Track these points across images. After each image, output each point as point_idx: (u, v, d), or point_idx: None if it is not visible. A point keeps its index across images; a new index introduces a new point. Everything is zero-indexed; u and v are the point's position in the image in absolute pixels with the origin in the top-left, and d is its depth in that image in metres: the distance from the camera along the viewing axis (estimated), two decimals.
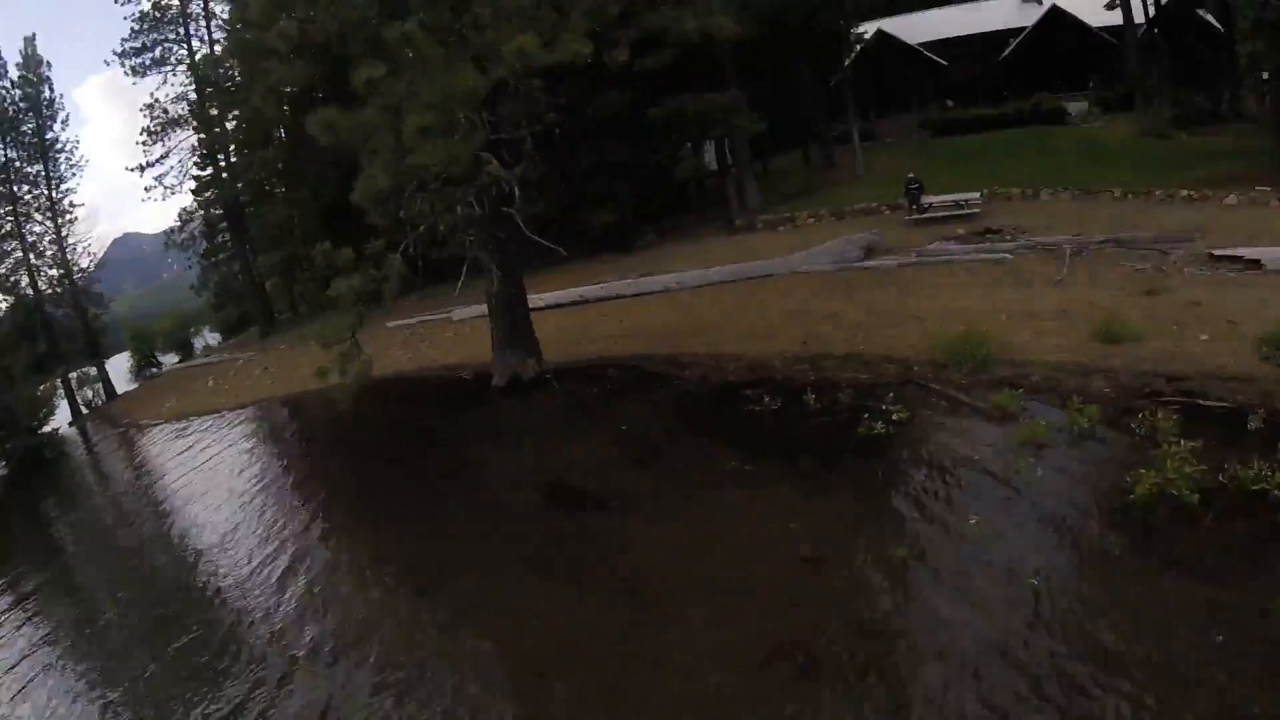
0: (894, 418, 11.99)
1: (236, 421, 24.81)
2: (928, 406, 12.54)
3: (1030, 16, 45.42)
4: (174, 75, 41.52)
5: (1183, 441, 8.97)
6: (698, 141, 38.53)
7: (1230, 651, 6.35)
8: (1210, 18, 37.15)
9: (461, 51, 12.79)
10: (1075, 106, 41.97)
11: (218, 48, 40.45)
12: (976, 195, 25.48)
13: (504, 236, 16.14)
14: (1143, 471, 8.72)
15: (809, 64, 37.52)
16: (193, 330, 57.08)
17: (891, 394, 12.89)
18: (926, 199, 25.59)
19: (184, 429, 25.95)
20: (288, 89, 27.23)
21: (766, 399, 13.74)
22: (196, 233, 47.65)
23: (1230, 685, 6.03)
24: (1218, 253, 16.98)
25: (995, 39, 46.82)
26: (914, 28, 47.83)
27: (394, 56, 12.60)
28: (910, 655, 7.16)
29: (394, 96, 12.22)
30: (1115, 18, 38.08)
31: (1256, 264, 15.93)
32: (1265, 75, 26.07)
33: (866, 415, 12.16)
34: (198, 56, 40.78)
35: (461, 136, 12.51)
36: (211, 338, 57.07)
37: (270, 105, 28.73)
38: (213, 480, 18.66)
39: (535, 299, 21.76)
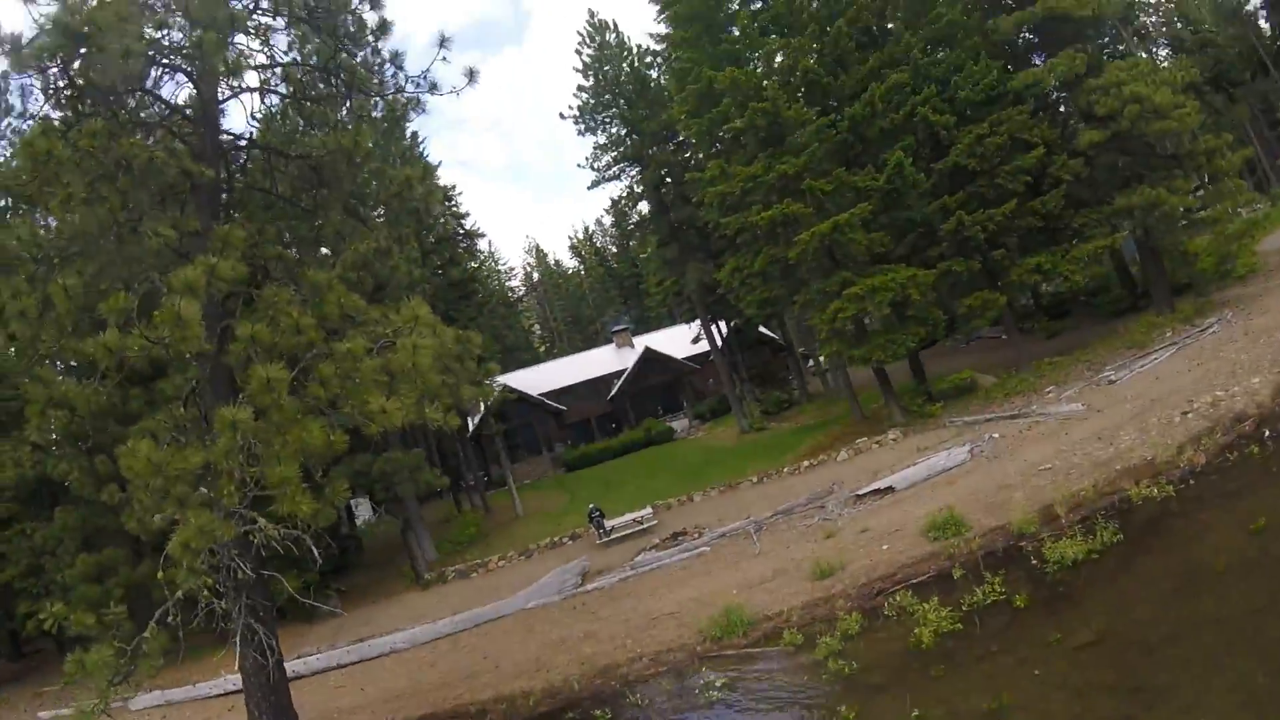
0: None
1: None
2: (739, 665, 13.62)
3: (628, 359, 55.25)
4: None
5: (924, 604, 12.70)
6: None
7: None
8: (769, 331, 49.69)
9: None
10: (679, 424, 50.57)
11: None
12: (648, 510, 27.88)
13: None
14: (917, 630, 12.01)
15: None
16: None
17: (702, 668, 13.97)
18: (609, 523, 27.10)
19: None
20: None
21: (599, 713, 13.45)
22: None
23: None
24: (860, 492, 21.40)
25: (602, 382, 55.32)
26: (534, 380, 54.43)
27: None
28: None
29: None
30: (697, 349, 48.60)
31: (890, 489, 20.75)
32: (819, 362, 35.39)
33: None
34: None
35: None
36: None
37: None
38: None
39: (220, 683, 18.18)
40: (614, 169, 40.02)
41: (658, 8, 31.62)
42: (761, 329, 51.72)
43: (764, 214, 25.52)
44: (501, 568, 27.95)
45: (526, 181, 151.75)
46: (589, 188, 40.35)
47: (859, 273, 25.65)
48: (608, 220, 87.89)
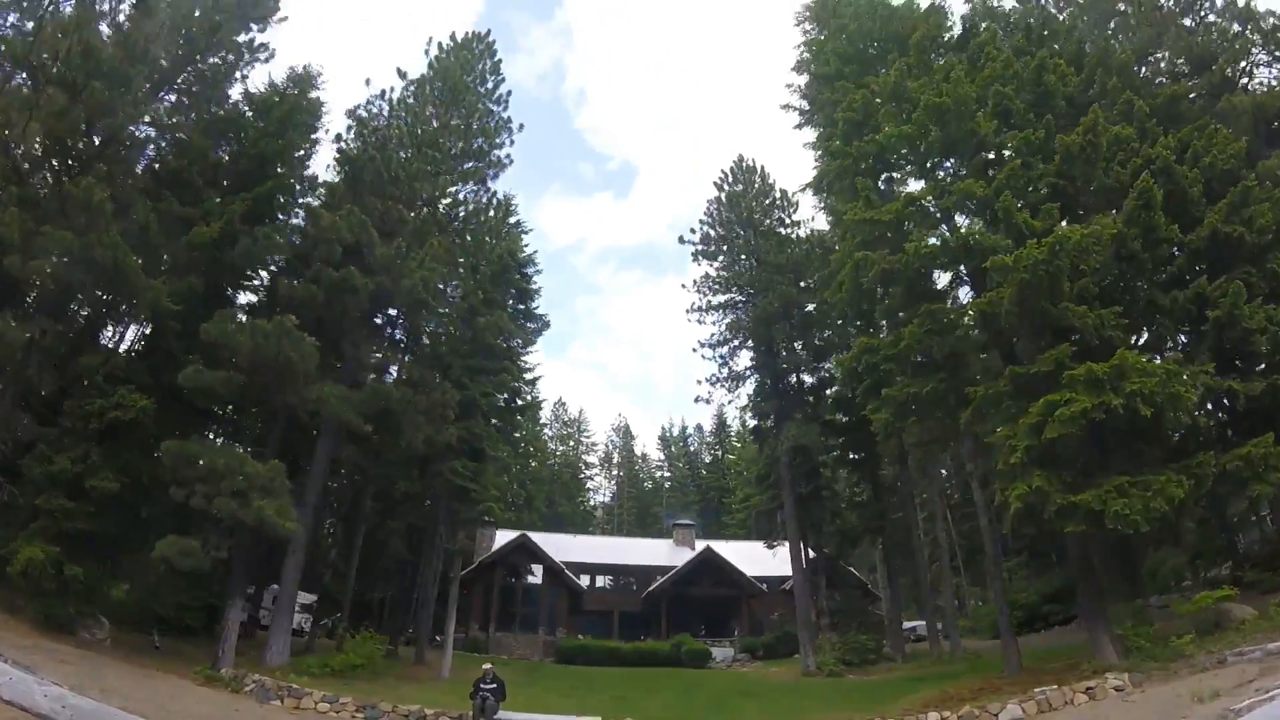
0: None
1: None
2: None
3: (681, 558, 44.88)
4: None
5: None
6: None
7: None
8: (853, 569, 38.38)
9: None
10: (721, 652, 38.69)
11: None
12: None
13: None
14: None
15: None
16: None
17: None
18: (514, 716, 16.60)
19: None
20: None
21: None
22: None
23: None
24: None
25: (642, 573, 44.87)
26: (561, 546, 44.79)
27: None
28: None
29: None
30: (766, 569, 38.00)
31: None
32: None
33: None
34: None
35: None
36: None
37: None
38: None
39: None
40: (722, 295, 33.21)
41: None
42: (851, 568, 40.84)
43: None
44: (307, 708, 17.45)
45: (646, 391, 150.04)
46: (686, 311, 33.63)
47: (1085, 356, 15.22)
48: (709, 424, 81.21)
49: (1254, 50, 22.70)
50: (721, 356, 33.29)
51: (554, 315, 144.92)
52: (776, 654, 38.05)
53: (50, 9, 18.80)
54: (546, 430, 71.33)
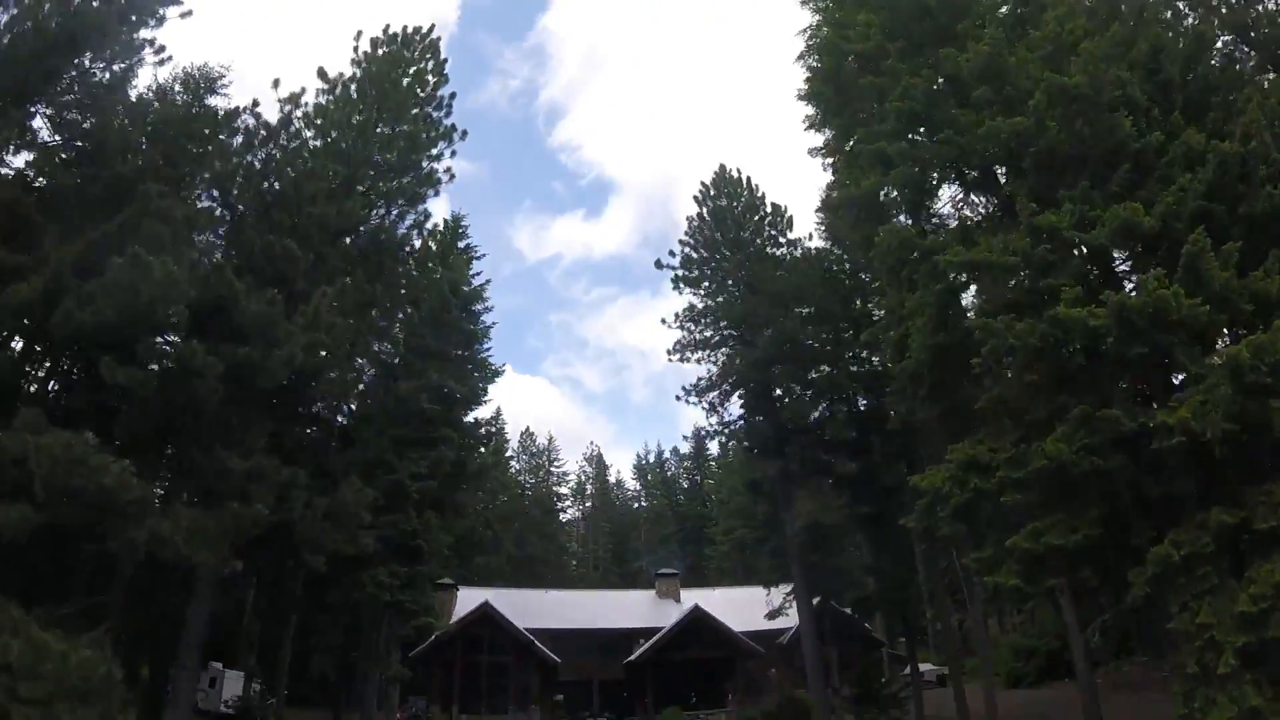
0: None
1: None
2: None
3: (667, 616, 39.92)
4: None
5: None
6: None
7: None
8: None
9: None
10: None
11: None
12: None
13: None
14: None
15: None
16: None
17: None
18: None
19: None
20: None
21: None
22: None
23: None
24: None
25: (623, 638, 39.69)
26: (529, 607, 39.42)
27: None
28: None
29: None
30: (757, 624, 33.27)
31: None
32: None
33: None
34: None
35: None
36: None
37: None
38: None
39: None
40: (709, 330, 28.03)
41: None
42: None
43: None
44: None
45: (621, 405, 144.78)
46: (668, 352, 28.36)
47: None
48: (685, 447, 76.23)
49: None
50: (710, 403, 28.23)
51: (526, 331, 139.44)
52: None
53: None
54: (514, 463, 65.85)
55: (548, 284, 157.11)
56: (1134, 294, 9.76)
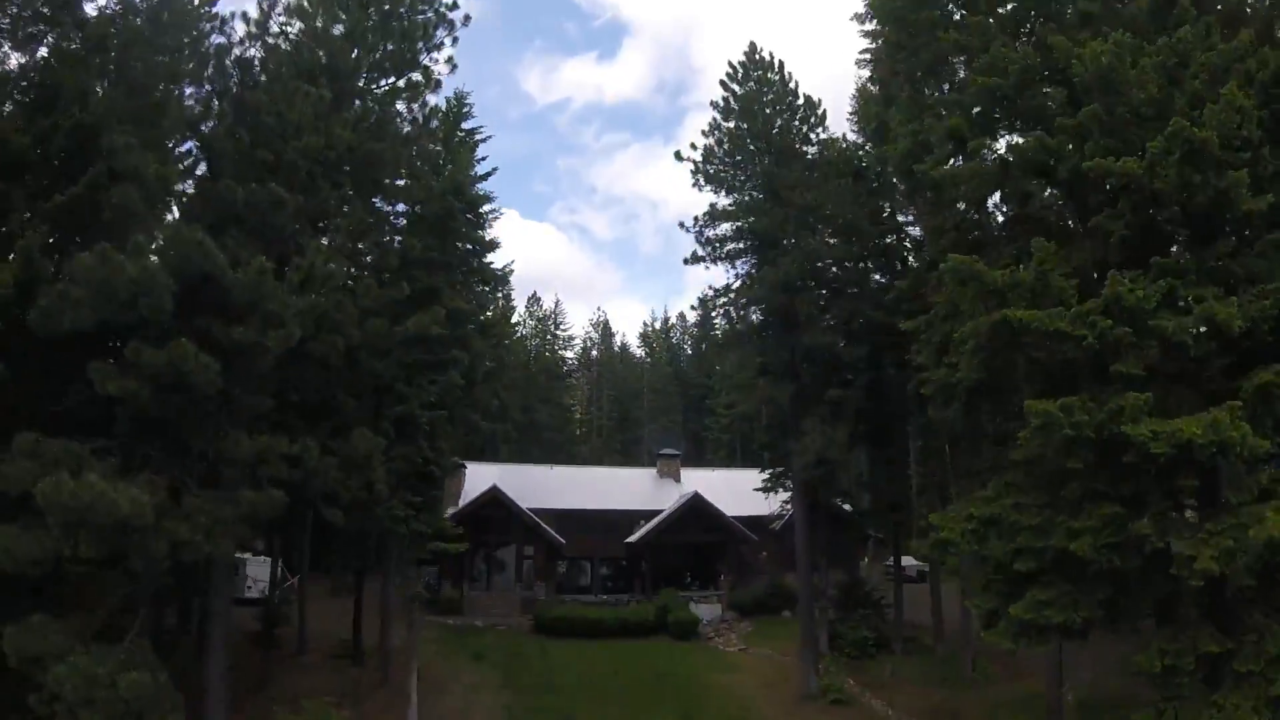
0: None
1: None
2: None
3: (667, 498, 41.44)
4: None
5: None
6: None
7: None
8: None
9: None
10: (707, 610, 35.88)
11: None
12: None
13: None
14: None
15: None
16: None
17: None
18: None
19: None
20: None
21: None
22: None
23: None
24: None
25: (625, 518, 41.16)
26: (535, 484, 40.63)
27: None
28: None
29: None
30: (752, 508, 34.87)
31: None
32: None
33: None
34: None
35: None
36: None
37: None
38: None
39: None
40: (730, 245, 26.55)
41: None
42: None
43: None
44: None
45: (629, 254, 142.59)
46: (686, 261, 27.03)
47: None
48: (692, 315, 75.79)
49: None
50: (729, 312, 27.34)
51: (533, 175, 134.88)
52: (766, 608, 36.64)
53: None
54: (520, 329, 65.59)
55: (556, 128, 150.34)
56: (1198, 424, 8.55)
